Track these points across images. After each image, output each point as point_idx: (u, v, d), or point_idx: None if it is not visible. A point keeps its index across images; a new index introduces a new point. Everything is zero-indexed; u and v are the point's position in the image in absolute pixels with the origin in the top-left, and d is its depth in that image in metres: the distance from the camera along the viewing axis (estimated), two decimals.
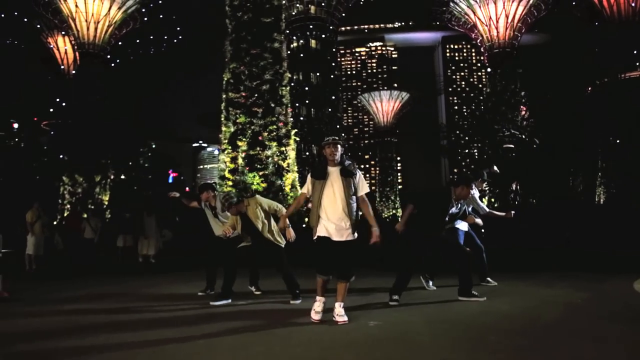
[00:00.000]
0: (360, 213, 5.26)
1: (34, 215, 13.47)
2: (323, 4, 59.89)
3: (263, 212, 6.62)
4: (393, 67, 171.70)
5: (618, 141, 22.26)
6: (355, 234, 5.17)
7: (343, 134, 65.42)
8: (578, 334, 4.49)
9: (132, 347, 4.43)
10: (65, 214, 26.09)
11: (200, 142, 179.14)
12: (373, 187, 79.58)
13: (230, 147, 19.62)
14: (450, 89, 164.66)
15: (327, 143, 5.24)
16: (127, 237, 16.44)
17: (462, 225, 7.46)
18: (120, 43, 37.27)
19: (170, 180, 50.74)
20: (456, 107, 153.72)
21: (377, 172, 79.04)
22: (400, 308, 6.01)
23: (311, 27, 61.12)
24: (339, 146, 5.24)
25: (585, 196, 21.86)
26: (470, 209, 7.34)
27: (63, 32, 40.00)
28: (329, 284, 5.30)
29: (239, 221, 6.71)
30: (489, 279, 7.64)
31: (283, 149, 19.79)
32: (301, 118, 57.18)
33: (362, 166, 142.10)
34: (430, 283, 7.54)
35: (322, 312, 5.17)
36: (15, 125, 43.34)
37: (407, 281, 6.38)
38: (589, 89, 23.51)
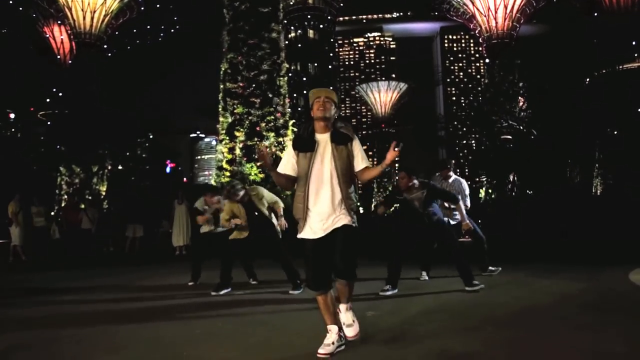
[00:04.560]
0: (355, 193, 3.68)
1: (17, 206, 13.49)
2: None
3: (265, 202, 6.80)
4: (391, 58, 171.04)
5: (615, 132, 22.25)
6: (355, 219, 3.69)
7: None
8: (575, 324, 4.51)
9: (130, 336, 4.45)
10: (63, 204, 26.05)
11: (198, 132, 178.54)
12: None
13: (227, 138, 19.60)
14: (448, 80, 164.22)
15: (317, 96, 3.52)
16: (137, 228, 16.20)
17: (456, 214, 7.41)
18: (117, 33, 36.99)
19: (167, 171, 50.53)
20: (454, 98, 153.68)
21: (375, 163, 79.02)
22: (398, 298, 6.03)
23: (309, 17, 60.91)
24: (333, 99, 3.54)
25: (582, 187, 21.86)
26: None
27: (59, 22, 39.62)
28: (334, 301, 3.80)
29: (241, 209, 6.74)
30: (491, 267, 7.64)
31: (281, 139, 19.77)
32: (299, 109, 57.06)
33: None
34: (424, 274, 7.58)
35: (333, 345, 3.62)
36: (12, 116, 43.06)
37: (396, 271, 6.43)
38: (587, 80, 23.49)
